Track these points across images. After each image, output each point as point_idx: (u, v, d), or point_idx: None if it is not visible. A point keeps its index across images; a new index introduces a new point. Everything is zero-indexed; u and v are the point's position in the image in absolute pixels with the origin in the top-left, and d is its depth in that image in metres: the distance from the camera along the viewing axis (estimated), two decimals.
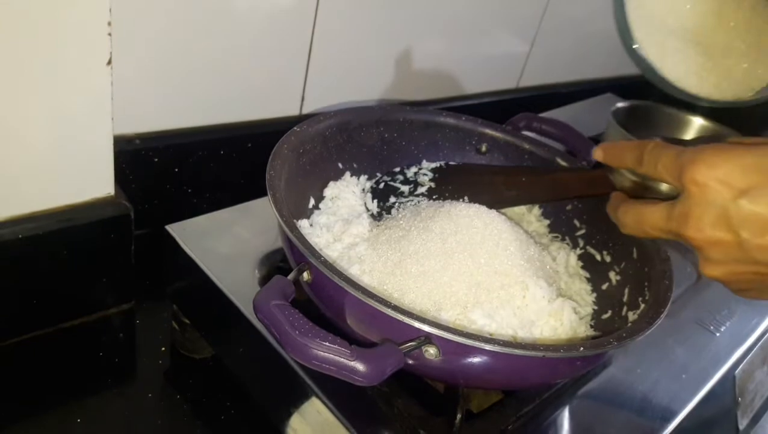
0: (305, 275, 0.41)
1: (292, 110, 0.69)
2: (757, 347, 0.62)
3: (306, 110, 0.70)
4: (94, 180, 0.51)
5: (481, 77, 0.89)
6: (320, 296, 0.42)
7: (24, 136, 0.45)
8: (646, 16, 0.41)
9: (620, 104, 0.90)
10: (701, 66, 0.41)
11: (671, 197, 0.39)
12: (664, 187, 0.41)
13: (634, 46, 0.41)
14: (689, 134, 0.94)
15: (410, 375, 0.42)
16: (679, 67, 0.41)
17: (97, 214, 0.52)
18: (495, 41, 0.86)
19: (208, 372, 0.55)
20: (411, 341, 0.36)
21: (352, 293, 0.37)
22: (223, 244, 0.53)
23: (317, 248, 0.48)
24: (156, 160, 0.60)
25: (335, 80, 0.71)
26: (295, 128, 0.52)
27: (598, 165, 0.49)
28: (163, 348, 0.56)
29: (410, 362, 0.39)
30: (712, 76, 0.41)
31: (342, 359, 0.33)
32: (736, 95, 0.40)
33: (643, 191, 0.43)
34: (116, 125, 0.50)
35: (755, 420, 0.63)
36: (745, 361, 0.60)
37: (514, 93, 0.96)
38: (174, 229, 0.53)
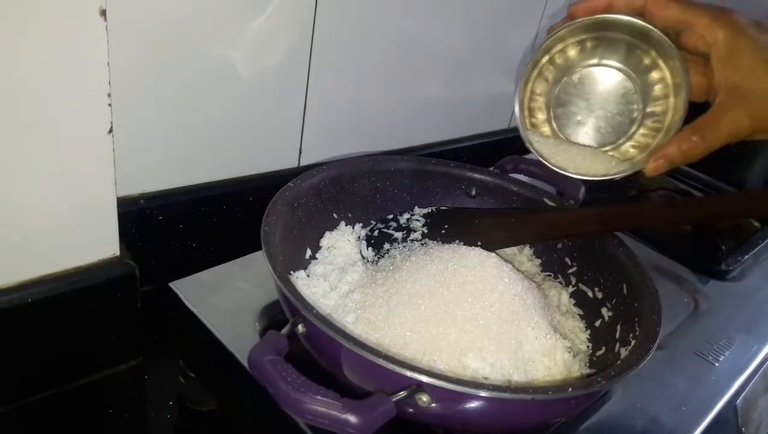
0: (300, 328, 0.42)
1: (291, 163, 0.71)
2: (758, 375, 0.62)
3: (304, 162, 0.72)
4: (99, 242, 0.53)
5: (473, 119, 0.91)
6: (316, 348, 0.44)
7: (32, 203, 0.48)
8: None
9: None
10: (574, 156, 0.53)
11: None
12: None
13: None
14: None
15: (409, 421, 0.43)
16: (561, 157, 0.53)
17: (104, 274, 0.53)
18: (483, 82, 0.89)
19: (216, 424, 0.56)
20: (403, 390, 0.38)
21: (344, 343, 0.38)
22: (225, 298, 0.55)
23: (313, 299, 0.50)
24: (160, 218, 0.62)
25: (331, 131, 0.73)
26: (289, 184, 0.54)
27: (585, 204, 0.50)
28: (171, 402, 0.57)
29: (408, 410, 0.39)
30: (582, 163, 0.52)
31: (334, 412, 0.34)
32: (603, 174, 0.51)
33: None
34: (120, 187, 0.52)
35: None
36: (746, 390, 0.60)
37: (505, 133, 0.98)
38: (177, 286, 0.54)
